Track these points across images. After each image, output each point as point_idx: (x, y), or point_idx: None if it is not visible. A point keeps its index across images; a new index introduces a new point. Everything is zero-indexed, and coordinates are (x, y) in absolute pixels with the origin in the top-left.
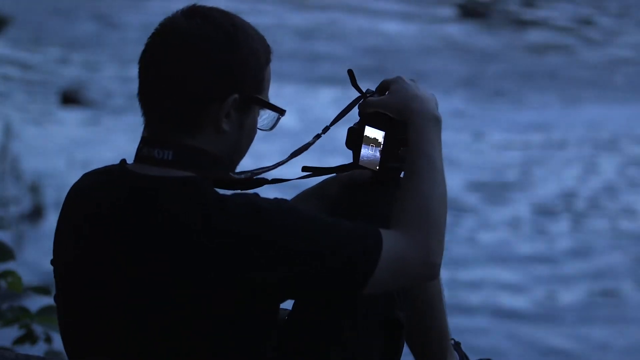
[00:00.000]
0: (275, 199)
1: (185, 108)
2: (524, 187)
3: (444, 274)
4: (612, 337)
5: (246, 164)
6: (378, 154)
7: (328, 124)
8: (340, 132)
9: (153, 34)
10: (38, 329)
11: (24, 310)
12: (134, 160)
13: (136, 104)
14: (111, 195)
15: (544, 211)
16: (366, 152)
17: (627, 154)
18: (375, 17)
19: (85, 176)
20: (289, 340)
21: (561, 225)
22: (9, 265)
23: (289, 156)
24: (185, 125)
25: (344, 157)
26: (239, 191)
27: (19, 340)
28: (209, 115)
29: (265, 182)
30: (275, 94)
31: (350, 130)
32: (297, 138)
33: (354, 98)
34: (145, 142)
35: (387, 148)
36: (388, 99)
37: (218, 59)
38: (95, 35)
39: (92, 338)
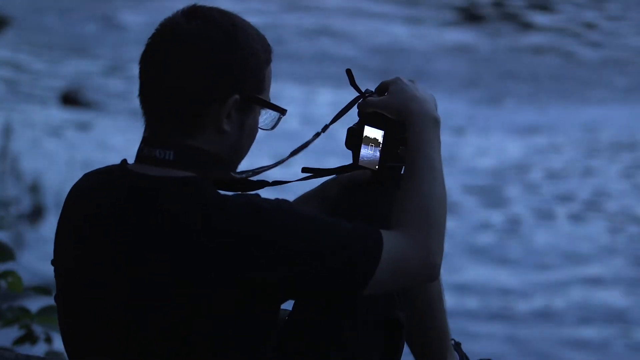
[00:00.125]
0: (276, 199)
1: (186, 108)
2: (523, 188)
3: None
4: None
5: (260, 163)
6: (377, 154)
7: (330, 124)
8: (340, 134)
9: (153, 34)
10: (38, 329)
11: (24, 311)
12: (135, 161)
13: (136, 105)
14: (111, 195)
15: (543, 213)
16: (366, 151)
17: (628, 154)
18: (376, 20)
19: (86, 176)
20: (289, 340)
21: (561, 227)
22: (9, 266)
23: (288, 155)
24: (186, 125)
25: (344, 159)
26: (239, 192)
27: (19, 341)
28: (209, 116)
29: (265, 184)
30: (281, 94)
31: (349, 130)
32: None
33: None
34: (146, 143)
35: (387, 147)
36: (387, 100)
37: (218, 59)
38: (95, 36)
39: (93, 338)
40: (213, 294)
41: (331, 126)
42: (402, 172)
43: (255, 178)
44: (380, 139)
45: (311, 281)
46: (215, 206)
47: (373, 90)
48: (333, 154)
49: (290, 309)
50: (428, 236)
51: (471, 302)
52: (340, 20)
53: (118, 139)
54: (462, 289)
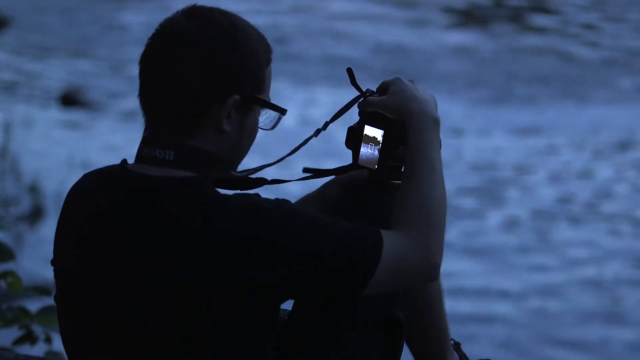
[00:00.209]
0: (276, 199)
1: (186, 108)
2: (522, 190)
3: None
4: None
5: (260, 163)
6: (377, 153)
7: (330, 122)
8: (339, 136)
9: (153, 34)
10: (38, 329)
11: (24, 311)
12: (135, 161)
13: (136, 105)
14: (111, 195)
15: (542, 215)
16: (365, 151)
17: (628, 155)
18: (378, 22)
19: (86, 176)
20: (289, 340)
21: (561, 229)
22: (9, 266)
23: (289, 152)
24: (186, 125)
25: (343, 161)
26: (239, 191)
27: (19, 341)
28: (209, 116)
29: (264, 182)
30: (283, 95)
31: (349, 129)
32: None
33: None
34: (146, 143)
35: (386, 147)
36: (387, 99)
37: (218, 59)
38: (95, 36)
39: (92, 338)
40: (213, 294)
41: (332, 128)
42: (401, 172)
43: (254, 176)
44: (380, 139)
45: (311, 281)
46: (215, 206)
47: (374, 90)
48: (333, 156)
49: (290, 309)
50: (428, 236)
51: (467, 305)
52: (343, 22)
53: (118, 139)
54: (459, 291)
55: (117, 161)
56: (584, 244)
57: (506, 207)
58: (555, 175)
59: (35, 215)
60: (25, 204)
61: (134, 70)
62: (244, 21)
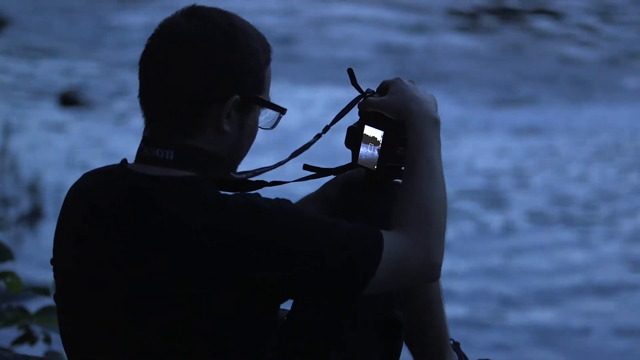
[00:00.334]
0: (276, 199)
1: (186, 108)
2: (521, 192)
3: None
4: None
5: (260, 164)
6: (377, 153)
7: (331, 125)
8: (338, 139)
9: (153, 35)
10: (37, 329)
11: (23, 311)
12: (135, 160)
13: (136, 105)
14: (111, 194)
15: (541, 217)
16: (365, 150)
17: (628, 155)
18: (380, 24)
19: (85, 176)
20: (289, 340)
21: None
22: (8, 266)
23: (289, 156)
24: (185, 125)
25: (344, 163)
26: (239, 192)
27: (18, 341)
28: (209, 116)
29: (264, 184)
30: (284, 95)
31: (349, 129)
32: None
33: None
34: (146, 142)
35: (386, 147)
36: (387, 100)
37: (218, 59)
38: (95, 36)
39: (92, 338)
40: (213, 293)
41: (333, 130)
42: (401, 172)
43: (254, 178)
44: (380, 139)
45: (311, 281)
46: (215, 206)
47: (374, 90)
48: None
49: (290, 309)
50: (428, 236)
51: (463, 309)
52: (344, 24)
53: (117, 139)
54: (455, 295)
55: (116, 161)
56: (583, 243)
57: (505, 209)
58: (555, 176)
59: (35, 215)
60: (24, 204)
61: (134, 70)
62: (243, 21)
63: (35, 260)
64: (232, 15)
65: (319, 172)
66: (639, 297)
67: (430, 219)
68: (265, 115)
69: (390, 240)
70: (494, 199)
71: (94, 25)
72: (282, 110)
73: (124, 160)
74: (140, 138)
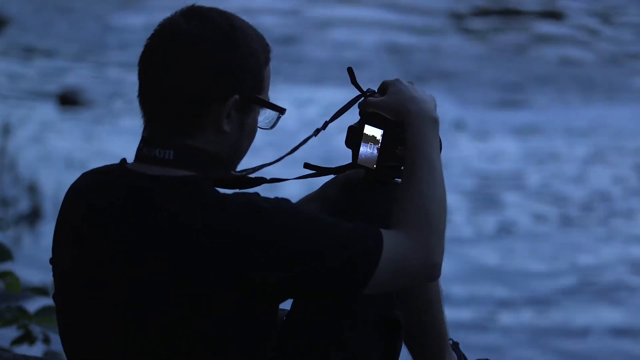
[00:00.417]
0: (276, 198)
1: (186, 108)
2: (521, 192)
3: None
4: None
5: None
6: (376, 152)
7: (330, 121)
8: (338, 141)
9: (152, 35)
10: (36, 329)
11: (22, 311)
12: (134, 160)
13: (135, 105)
14: (110, 194)
15: (540, 219)
16: (365, 150)
17: (630, 156)
18: (381, 26)
19: (84, 176)
20: (289, 340)
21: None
22: (7, 266)
23: (288, 151)
24: (185, 125)
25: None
26: (239, 190)
27: (17, 341)
28: (209, 116)
29: (263, 181)
30: (284, 96)
31: (350, 129)
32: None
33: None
34: (145, 142)
35: (385, 147)
36: (386, 100)
37: (218, 59)
38: (94, 36)
39: (91, 338)
40: (213, 293)
41: (333, 130)
42: (400, 172)
43: (253, 175)
44: (380, 138)
45: (311, 281)
46: (215, 206)
47: (375, 89)
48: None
49: (290, 309)
50: (428, 236)
51: (461, 312)
52: (346, 24)
53: (117, 139)
54: (450, 297)
55: (115, 161)
56: (582, 245)
57: (504, 210)
58: (554, 177)
59: (34, 215)
60: (23, 205)
61: (133, 70)
62: (243, 21)
63: (35, 260)
64: (232, 15)
65: (319, 171)
66: (637, 299)
67: (429, 218)
68: (265, 116)
69: (390, 240)
70: (492, 199)
71: (94, 26)
72: (281, 111)
73: (123, 160)
74: (139, 138)
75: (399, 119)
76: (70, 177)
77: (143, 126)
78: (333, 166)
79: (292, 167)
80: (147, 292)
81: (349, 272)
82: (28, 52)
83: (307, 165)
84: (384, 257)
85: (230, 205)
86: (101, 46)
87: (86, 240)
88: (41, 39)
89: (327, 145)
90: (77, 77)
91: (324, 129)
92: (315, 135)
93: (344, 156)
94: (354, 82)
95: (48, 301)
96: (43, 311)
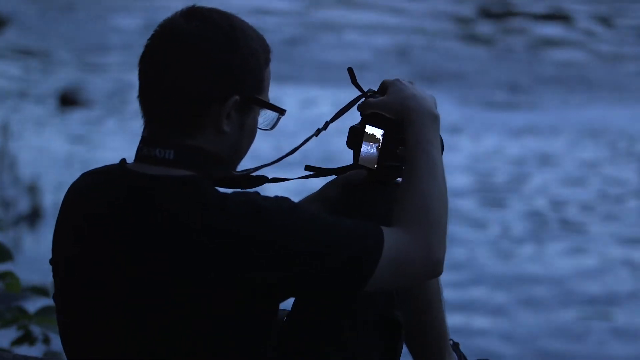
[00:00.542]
0: (276, 197)
1: (186, 109)
2: (519, 193)
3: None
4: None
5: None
6: (377, 152)
7: (331, 122)
8: (337, 142)
9: (152, 35)
10: (36, 329)
11: (22, 311)
12: (134, 160)
13: (136, 105)
14: (110, 194)
15: (539, 219)
16: (366, 149)
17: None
18: (382, 28)
19: (84, 176)
20: (289, 340)
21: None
22: (7, 266)
23: (289, 151)
24: (185, 126)
25: (344, 164)
26: (239, 189)
27: (17, 341)
28: (209, 116)
29: (265, 180)
30: (286, 96)
31: (351, 129)
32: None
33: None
34: (145, 142)
35: (386, 147)
36: (386, 100)
37: (218, 59)
38: (94, 36)
39: (91, 338)
40: (213, 293)
41: (333, 130)
42: (401, 172)
43: (255, 174)
44: (380, 137)
45: (311, 281)
46: (215, 206)
47: (375, 90)
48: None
49: (290, 309)
50: (429, 233)
51: (458, 316)
52: (347, 27)
53: (116, 139)
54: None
55: (115, 161)
56: (582, 245)
57: (504, 210)
58: (554, 177)
59: (33, 216)
60: (23, 205)
61: (133, 71)
62: (243, 22)
63: (34, 260)
64: (232, 15)
65: (320, 172)
66: (637, 301)
67: (430, 216)
68: (265, 116)
69: (391, 238)
70: (491, 200)
71: (94, 26)
72: (281, 111)
73: (123, 160)
74: (138, 138)
75: (399, 118)
76: (70, 177)
77: (143, 126)
78: (333, 167)
79: (292, 169)
80: (147, 292)
81: (349, 272)
82: (28, 52)
83: (308, 167)
84: (384, 255)
85: (230, 205)
86: (101, 46)
87: (86, 240)
88: (41, 39)
89: (327, 146)
90: (77, 77)
91: (324, 129)
92: (317, 135)
93: (343, 157)
94: (355, 82)
95: (48, 301)
96: (43, 311)
